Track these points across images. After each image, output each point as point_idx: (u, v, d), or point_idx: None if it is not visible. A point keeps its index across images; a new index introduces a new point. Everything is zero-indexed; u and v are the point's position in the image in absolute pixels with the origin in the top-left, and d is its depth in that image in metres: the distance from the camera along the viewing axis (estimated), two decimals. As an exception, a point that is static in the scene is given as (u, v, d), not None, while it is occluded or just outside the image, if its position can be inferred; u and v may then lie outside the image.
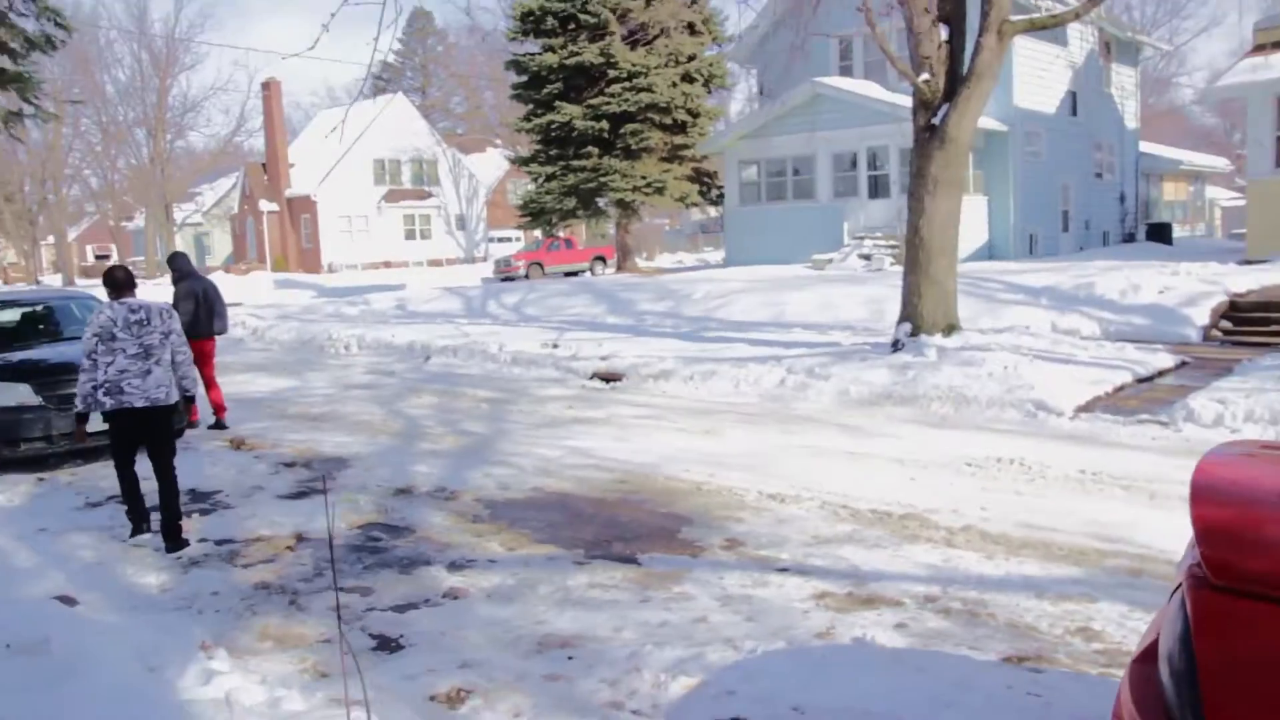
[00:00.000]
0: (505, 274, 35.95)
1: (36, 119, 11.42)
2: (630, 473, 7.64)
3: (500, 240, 54.33)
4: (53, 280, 55.92)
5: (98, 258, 72.60)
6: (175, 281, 10.82)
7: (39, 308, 10.84)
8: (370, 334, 17.76)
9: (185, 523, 6.83)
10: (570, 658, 4.34)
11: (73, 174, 55.92)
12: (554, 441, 8.88)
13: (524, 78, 29.56)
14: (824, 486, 6.88)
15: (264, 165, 51.43)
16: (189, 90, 67.61)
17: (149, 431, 6.61)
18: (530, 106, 29.83)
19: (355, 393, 12.48)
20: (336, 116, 54.94)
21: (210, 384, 10.66)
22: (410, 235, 52.43)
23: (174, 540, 6.41)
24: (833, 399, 10.11)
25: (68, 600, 5.17)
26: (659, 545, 5.89)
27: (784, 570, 5.30)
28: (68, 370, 8.99)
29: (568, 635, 4.60)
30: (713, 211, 45.15)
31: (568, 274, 34.60)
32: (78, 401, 6.51)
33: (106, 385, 6.37)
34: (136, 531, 6.66)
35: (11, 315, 10.69)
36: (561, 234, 37.93)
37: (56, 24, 11.52)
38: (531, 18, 28.94)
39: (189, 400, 7.00)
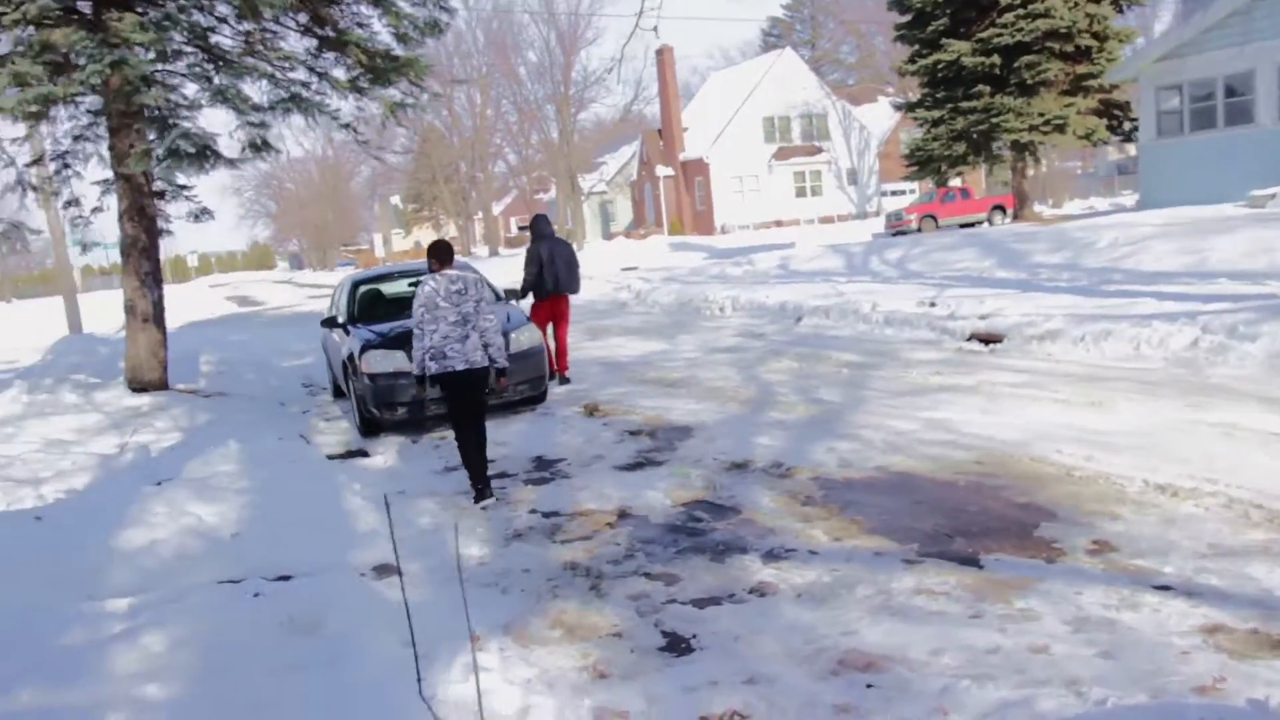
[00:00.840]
0: (896, 228, 34.60)
1: (418, 108, 12.08)
2: (991, 451, 6.68)
3: (893, 193, 52.60)
4: (480, 251, 61.79)
5: (520, 229, 79.64)
6: (532, 242, 11.41)
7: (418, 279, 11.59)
8: (745, 295, 17.55)
9: (522, 492, 6.94)
10: (869, 685, 3.66)
11: (495, 152, 61.44)
12: (911, 412, 8.05)
13: (907, 17, 27.91)
14: (1234, 479, 5.54)
15: (659, 131, 53.30)
16: (589, 64, 71.60)
17: (468, 392, 7.09)
18: (915, 47, 28.16)
19: (718, 356, 12.25)
20: (728, 78, 55.85)
21: (560, 343, 11.39)
22: (800, 192, 52.13)
23: (483, 486, 6.90)
24: (1260, 364, 8.35)
25: (387, 570, 5.25)
26: (1008, 544, 4.98)
27: (1164, 589, 4.23)
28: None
29: (875, 654, 3.92)
30: (1131, 149, 40.66)
31: (963, 225, 32.49)
32: (414, 366, 7.12)
33: (432, 351, 6.95)
34: (479, 498, 6.86)
35: (393, 287, 11.52)
36: (956, 183, 35.83)
37: (441, 8, 12.12)
38: (912, -51, 27.34)
39: (499, 373, 7.26)
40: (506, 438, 8.90)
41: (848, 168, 53.32)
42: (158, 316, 12.04)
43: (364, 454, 8.97)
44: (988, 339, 11.15)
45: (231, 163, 9.90)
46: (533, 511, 6.53)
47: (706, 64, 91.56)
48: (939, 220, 33.98)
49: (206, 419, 10.52)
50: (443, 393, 7.18)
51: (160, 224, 13.99)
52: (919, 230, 32.94)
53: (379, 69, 12.15)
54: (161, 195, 14.00)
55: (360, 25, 12.23)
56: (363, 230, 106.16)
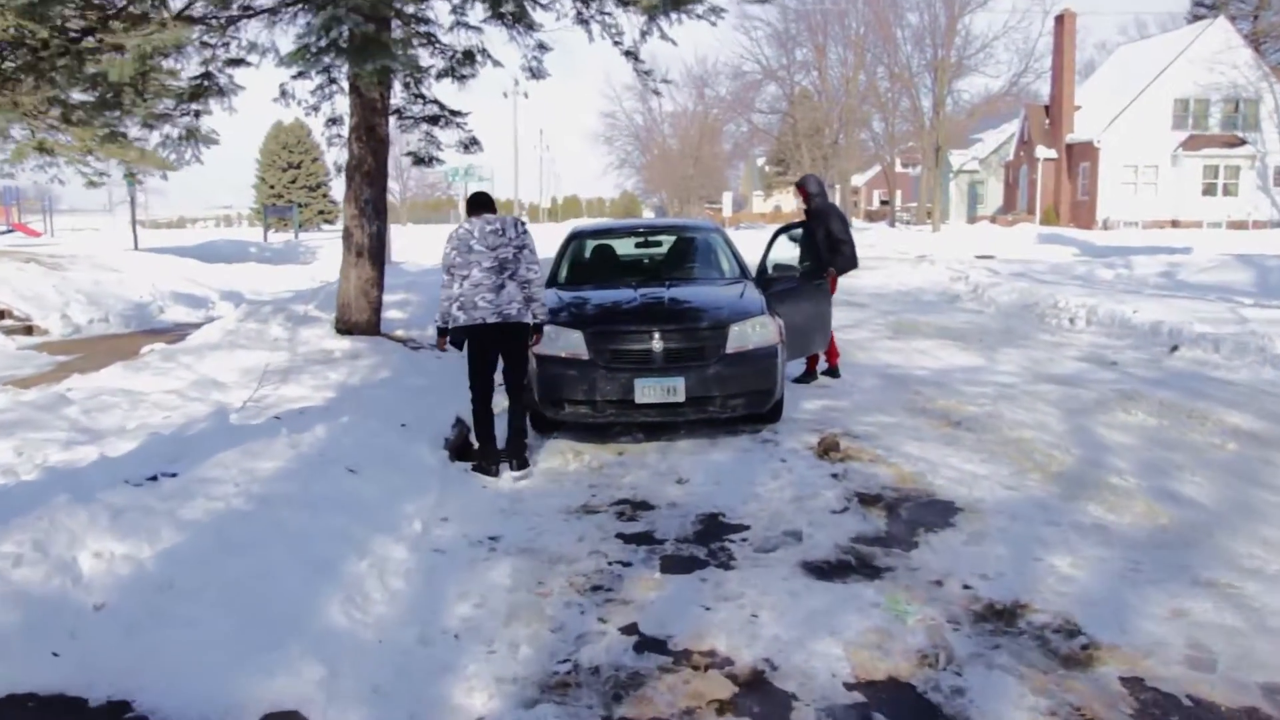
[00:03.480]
0: (1330, 243, 27.96)
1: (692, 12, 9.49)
2: None
3: (1333, 202, 43.61)
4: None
5: (881, 203, 75.74)
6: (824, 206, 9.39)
7: (659, 238, 9.15)
8: (1106, 306, 13.62)
9: (640, 585, 4.37)
10: None
11: (862, 119, 57.69)
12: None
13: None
14: None
15: (1046, 108, 47.45)
16: (971, 28, 65.42)
17: (502, 349, 6.36)
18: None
19: (1042, 388, 8.89)
20: (1138, 51, 49.00)
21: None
22: (1209, 190, 44.38)
23: (519, 458, 6.29)
24: None
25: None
26: None
27: None
28: (640, 319, 7.07)
29: None
30: None
31: None
32: (437, 316, 6.42)
33: (460, 300, 6.20)
34: (480, 469, 6.25)
35: (627, 245, 9.17)
36: None
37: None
38: None
39: (536, 329, 6.51)
40: (690, 472, 6.32)
41: (1277, 165, 44.74)
42: (374, 251, 10.48)
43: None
44: None
45: (412, 66, 7.80)
46: (627, 631, 3.95)
47: (1118, 40, 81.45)
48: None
49: (381, 377, 8.76)
50: (467, 349, 6.35)
51: (433, 151, 12.55)
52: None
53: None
54: (436, 121, 12.52)
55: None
56: (726, 189, 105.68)
